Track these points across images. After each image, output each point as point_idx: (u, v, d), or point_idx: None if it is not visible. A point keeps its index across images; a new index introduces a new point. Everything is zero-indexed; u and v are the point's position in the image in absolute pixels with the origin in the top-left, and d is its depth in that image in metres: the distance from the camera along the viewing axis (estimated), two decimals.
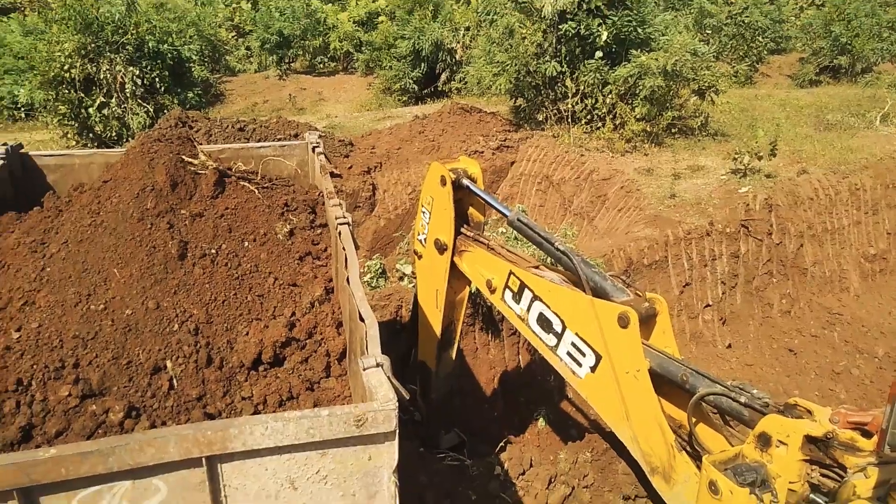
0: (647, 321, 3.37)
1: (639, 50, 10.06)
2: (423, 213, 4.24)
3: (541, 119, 11.27)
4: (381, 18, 18.85)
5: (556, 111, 11.08)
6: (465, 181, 4.02)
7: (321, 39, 19.48)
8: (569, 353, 3.49)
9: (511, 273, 3.70)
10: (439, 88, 16.18)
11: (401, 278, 7.74)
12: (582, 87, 10.51)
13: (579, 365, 3.44)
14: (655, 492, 3.79)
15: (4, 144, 3.56)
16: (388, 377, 1.72)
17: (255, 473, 1.64)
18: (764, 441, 2.77)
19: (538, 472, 4.01)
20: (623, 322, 3.12)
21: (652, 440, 3.22)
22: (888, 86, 13.93)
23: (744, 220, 8.22)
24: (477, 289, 4.33)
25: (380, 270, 7.87)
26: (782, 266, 8.52)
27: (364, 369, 1.75)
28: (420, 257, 4.41)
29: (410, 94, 16.36)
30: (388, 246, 9.81)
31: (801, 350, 8.01)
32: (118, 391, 2.45)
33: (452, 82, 15.59)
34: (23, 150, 3.65)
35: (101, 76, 11.92)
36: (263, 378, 2.64)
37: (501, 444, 4.81)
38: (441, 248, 4.13)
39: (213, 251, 2.95)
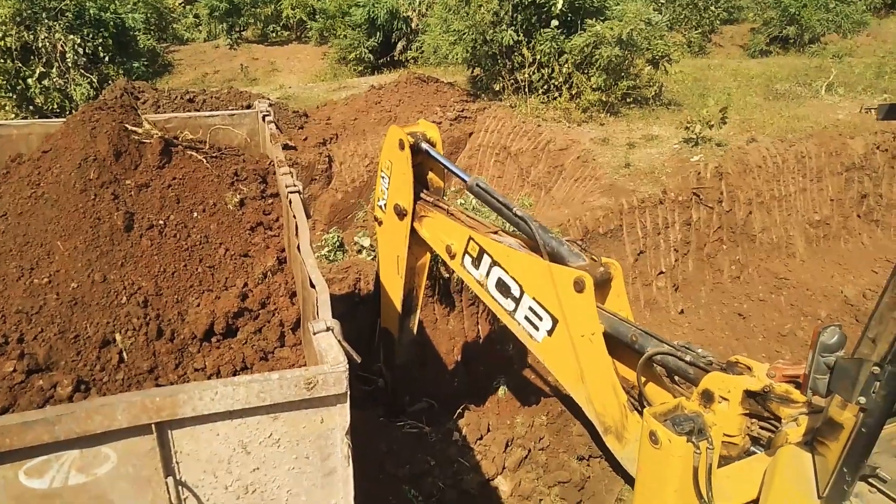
0: (603, 286, 3.47)
1: (594, 19, 10.09)
2: (383, 178, 4.21)
3: (498, 89, 11.24)
4: None
5: (513, 81, 11.07)
6: (424, 145, 3.98)
7: (273, 7, 18.93)
8: (526, 318, 3.55)
9: (470, 238, 3.72)
10: (396, 58, 15.96)
11: (359, 251, 7.71)
12: (538, 57, 10.51)
13: (536, 329, 3.51)
14: (609, 451, 3.94)
15: None
16: (339, 340, 1.73)
17: (206, 439, 1.64)
18: (707, 397, 2.89)
19: (495, 437, 4.10)
20: (579, 287, 3.19)
21: (606, 401, 3.33)
22: (833, 56, 14.32)
23: (695, 189, 8.42)
24: (437, 256, 4.37)
25: (338, 243, 7.83)
26: (732, 233, 8.78)
27: (314, 333, 1.76)
28: (380, 223, 4.37)
29: (366, 63, 16.09)
30: (347, 219, 9.74)
31: (750, 314, 8.32)
32: (66, 365, 2.41)
33: (409, 52, 15.39)
34: None
35: (40, 45, 11.38)
36: (216, 349, 2.63)
37: (459, 410, 4.89)
38: (401, 214, 4.10)
39: (161, 222, 2.89)
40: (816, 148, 9.43)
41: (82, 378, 2.35)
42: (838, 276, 8.85)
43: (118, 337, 2.51)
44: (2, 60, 11.21)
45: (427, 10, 14.66)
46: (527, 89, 10.91)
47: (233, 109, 10.20)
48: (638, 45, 10.06)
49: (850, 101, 11.12)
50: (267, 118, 3.78)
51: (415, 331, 4.84)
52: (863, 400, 1.76)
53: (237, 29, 19.04)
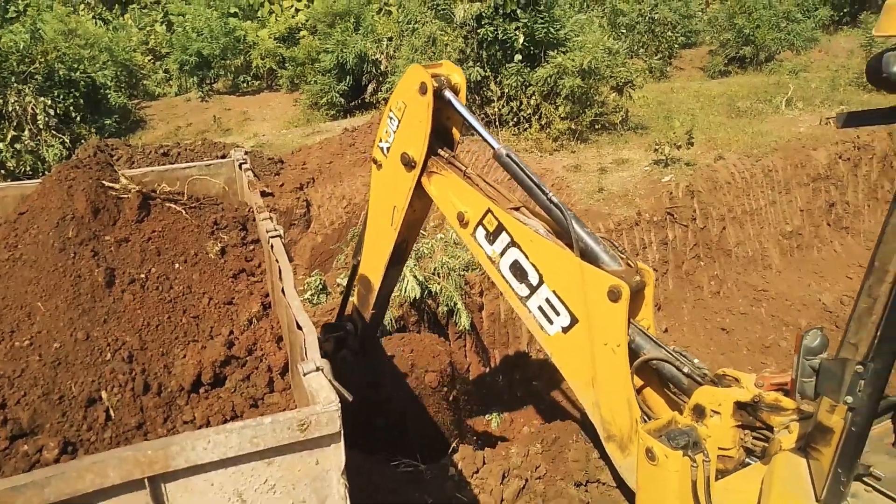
0: (636, 295, 3.21)
1: (555, 51, 10.37)
2: (391, 119, 3.71)
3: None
4: (302, 33, 18.68)
5: (483, 115, 11.26)
6: (448, 93, 3.47)
7: (243, 58, 19.15)
8: (540, 308, 3.30)
9: (489, 211, 3.35)
10: (367, 100, 16.17)
11: (342, 292, 7.69)
12: (506, 90, 10.74)
13: (550, 322, 3.28)
14: (606, 474, 3.91)
15: None
16: (329, 379, 1.74)
17: (201, 490, 1.62)
18: (699, 412, 2.91)
19: (491, 469, 4.07)
20: (614, 296, 2.96)
21: (616, 411, 3.20)
22: (789, 72, 14.81)
23: (669, 208, 8.58)
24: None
25: (320, 286, 7.80)
26: (708, 249, 8.93)
27: (304, 374, 1.76)
28: (379, 167, 3.90)
29: (338, 107, 16.28)
30: (328, 262, 9.73)
31: (733, 328, 8.41)
32: (51, 428, 2.36)
33: (380, 93, 15.61)
34: None
35: (10, 108, 11.36)
36: (205, 400, 2.60)
37: (453, 445, 4.84)
38: (408, 164, 3.63)
39: (143, 276, 2.88)
40: (782, 161, 9.69)
41: (69, 439, 2.31)
42: (815, 284, 9.01)
43: (104, 394, 2.47)
44: None
45: (395, 52, 14.95)
46: (497, 122, 11.11)
47: (208, 160, 10.24)
48: (601, 74, 10.34)
49: (810, 115, 11.48)
50: (243, 166, 3.81)
51: (397, 281, 4.50)
52: (850, 399, 1.80)
53: (208, 81, 19.20)
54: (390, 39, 15.26)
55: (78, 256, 2.81)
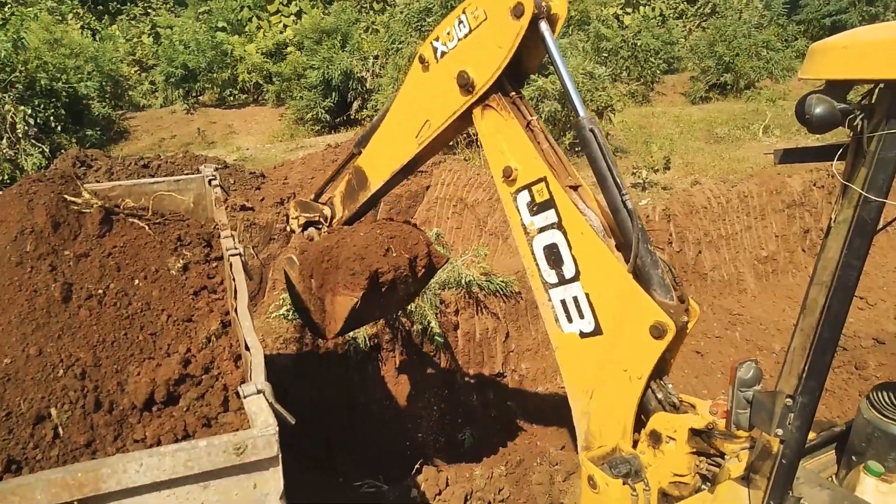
0: (676, 335, 2.83)
1: (537, 74, 10.50)
2: (461, 22, 3.02)
3: (451, 143, 11.51)
4: (289, 49, 18.76)
5: (465, 135, 11.35)
6: (544, 26, 2.83)
7: (229, 72, 19.17)
8: (564, 303, 3.01)
9: (544, 180, 2.93)
10: (352, 117, 16.23)
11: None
12: None
13: (569, 321, 3.01)
14: (568, 500, 3.91)
15: None
16: (270, 402, 1.73)
17: None
18: (655, 438, 2.91)
19: (454, 491, 4.06)
20: (657, 332, 2.69)
21: (606, 431, 3.05)
22: (767, 100, 15.10)
23: None
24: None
25: None
26: (684, 272, 9.02)
27: (244, 397, 1.76)
28: (425, 68, 3.27)
29: (323, 123, 16.32)
30: None
31: (707, 351, 8.47)
32: None
33: (364, 110, 15.68)
34: None
35: None
36: (157, 418, 2.58)
37: (417, 466, 4.82)
38: (465, 86, 3.06)
39: (101, 292, 2.87)
40: (758, 187, 9.84)
41: (13, 457, 2.28)
42: (789, 309, 9.11)
43: (53, 412, 2.45)
44: None
45: (380, 69, 15.05)
46: (479, 142, 11.19)
47: (188, 173, 10.20)
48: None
49: (786, 142, 11.69)
50: (213, 182, 3.81)
51: (395, 186, 4.11)
52: (780, 431, 1.82)
53: (193, 94, 19.19)
54: (376, 57, 15.36)
55: (35, 271, 2.79)
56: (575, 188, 2.98)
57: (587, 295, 2.90)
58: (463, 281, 6.77)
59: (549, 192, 2.92)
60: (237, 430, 2.58)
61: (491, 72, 2.97)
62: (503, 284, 7.11)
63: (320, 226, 4.33)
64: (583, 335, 2.96)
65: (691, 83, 17.76)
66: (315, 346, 6.36)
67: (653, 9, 22.33)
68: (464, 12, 3.00)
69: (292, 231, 4.51)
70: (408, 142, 3.50)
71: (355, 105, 16.10)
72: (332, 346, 6.38)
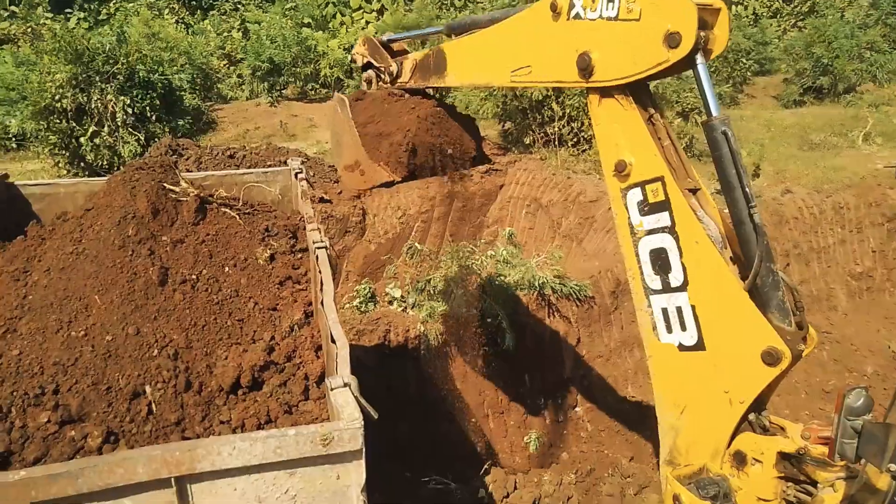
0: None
1: None
2: (612, 1, 2.63)
3: (528, 142, 11.41)
4: None
5: (543, 134, 11.23)
6: (700, 64, 2.54)
7: (312, 66, 19.70)
8: (665, 311, 2.83)
9: (661, 180, 2.70)
10: None
11: (390, 302, 7.78)
12: (568, 111, 10.68)
13: (668, 331, 2.83)
14: None
15: None
16: (356, 396, 1.76)
17: (224, 493, 1.66)
18: (739, 459, 2.78)
19: (522, 495, 4.02)
20: (770, 359, 2.51)
21: (694, 450, 2.93)
22: (869, 105, 14.17)
23: None
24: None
25: (369, 295, 7.91)
26: None
27: (331, 389, 1.79)
28: (555, 16, 2.87)
29: None
30: (378, 271, 9.85)
31: (792, 370, 8.04)
32: (97, 416, 2.48)
33: None
34: (9, 180, 3.70)
35: (93, 106, 12.02)
36: (242, 402, 2.67)
37: (486, 467, 4.80)
38: (584, 70, 2.75)
39: (194, 277, 2.99)
40: (855, 199, 9.26)
41: (112, 429, 2.41)
42: (885, 330, 8.54)
43: (148, 389, 2.57)
44: (58, 121, 11.87)
45: None
46: (557, 142, 11.04)
47: (271, 164, 10.57)
48: (666, 98, 10.15)
49: (890, 151, 10.94)
50: (299, 175, 3.91)
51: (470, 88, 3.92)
52: (893, 467, 1.69)
53: (278, 88, 19.83)
54: None
55: (135, 254, 2.94)
56: (694, 192, 2.79)
57: (693, 307, 2.72)
58: (536, 283, 6.70)
59: (666, 194, 2.69)
60: (316, 418, 2.65)
61: (616, 76, 2.70)
62: (577, 288, 6.99)
63: (382, 74, 4.16)
64: (682, 348, 2.79)
65: (784, 86, 16.90)
66: (387, 339, 6.45)
67: (745, 7, 21.38)
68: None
69: (352, 62, 4.52)
70: (501, 71, 3.24)
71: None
72: (404, 339, 6.46)
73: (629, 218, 2.86)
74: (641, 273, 2.87)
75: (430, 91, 4.16)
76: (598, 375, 6.74)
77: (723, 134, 2.57)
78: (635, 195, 2.81)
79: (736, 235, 2.69)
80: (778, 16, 22.32)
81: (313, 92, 20.81)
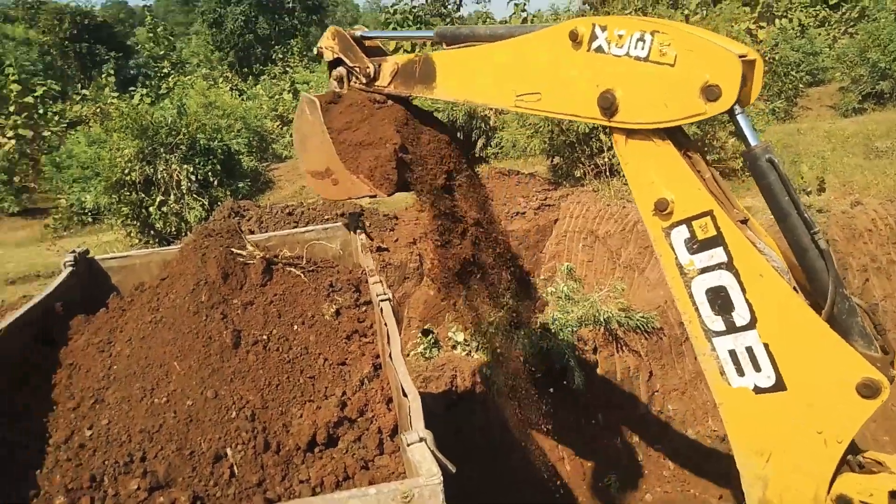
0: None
1: None
2: (641, 41, 2.47)
3: (579, 175, 11.36)
4: None
5: (593, 166, 11.17)
6: (740, 115, 2.45)
7: None
8: (733, 353, 2.64)
9: (710, 214, 2.54)
10: (477, 155, 16.56)
11: (454, 347, 7.76)
12: None
13: (740, 374, 2.64)
14: None
15: (73, 252, 3.84)
16: (432, 451, 1.75)
17: None
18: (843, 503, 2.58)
19: None
20: (867, 391, 2.35)
21: (790, 499, 2.70)
22: None
23: None
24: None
25: (432, 340, 7.92)
26: None
27: (408, 445, 1.79)
28: (576, 46, 2.66)
29: None
30: (439, 315, 9.88)
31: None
32: (183, 482, 2.54)
33: (489, 148, 15.94)
34: (89, 255, 3.93)
35: (159, 176, 12.73)
36: (319, 460, 2.69)
37: None
38: (607, 109, 2.59)
39: (265, 337, 3.07)
40: None
41: (198, 494, 2.46)
42: None
43: (229, 451, 2.63)
44: (128, 193, 12.61)
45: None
46: (608, 172, 10.95)
47: (328, 218, 10.86)
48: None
49: None
50: (357, 230, 4.00)
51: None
52: None
53: None
54: None
55: (209, 318, 3.05)
56: (743, 223, 2.64)
57: (766, 345, 2.54)
58: (601, 317, 6.57)
59: (717, 228, 2.53)
60: (392, 473, 2.64)
61: (643, 120, 2.55)
62: (644, 320, 6.81)
63: (355, 73, 3.73)
64: (758, 390, 2.60)
65: (841, 94, 16.37)
66: (453, 384, 6.42)
67: (790, 20, 20.96)
68: (652, 34, 2.45)
69: (318, 55, 3.92)
70: (504, 93, 2.97)
71: (479, 143, 16.41)
72: (470, 384, 6.41)
73: (676, 258, 2.68)
74: (699, 315, 2.68)
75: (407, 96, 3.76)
76: (675, 410, 6.50)
77: (768, 161, 2.47)
78: (681, 233, 2.65)
79: (799, 264, 2.56)
80: (826, 24, 21.80)
81: None
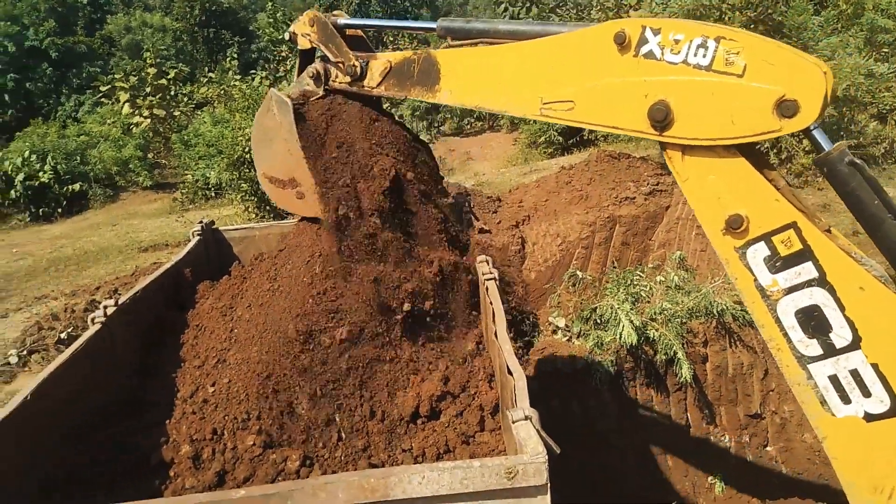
0: None
1: None
2: (704, 47, 2.24)
3: None
4: None
5: None
6: (818, 131, 2.22)
7: None
8: (834, 379, 2.43)
9: (794, 227, 2.31)
10: (585, 137, 16.17)
11: (554, 332, 7.67)
12: None
13: (846, 402, 2.41)
14: None
15: (200, 222, 4.13)
16: (538, 430, 1.73)
17: None
18: None
19: None
20: None
21: None
22: None
23: None
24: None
25: (532, 324, 7.87)
26: None
27: (513, 422, 1.78)
28: (622, 50, 2.40)
29: (556, 145, 16.50)
30: (540, 299, 9.79)
31: None
32: (294, 442, 2.68)
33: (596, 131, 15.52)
34: (214, 226, 4.21)
35: None
36: (421, 431, 2.75)
37: None
38: (658, 123, 2.34)
39: None
40: None
41: (307, 454, 2.60)
42: None
43: (338, 417, 2.74)
44: (248, 170, 13.37)
45: None
46: None
47: None
48: (859, 101, 9.12)
49: None
50: (465, 209, 4.02)
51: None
52: None
53: (435, 124, 20.76)
54: None
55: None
56: (827, 231, 2.38)
57: (874, 366, 2.30)
58: (714, 310, 6.24)
59: (803, 241, 2.29)
60: (493, 450, 2.65)
61: (703, 136, 2.31)
62: None
63: (336, 69, 3.28)
64: (870, 418, 2.36)
65: None
66: (552, 368, 6.36)
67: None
68: (717, 40, 2.21)
69: (291, 40, 3.41)
70: (528, 100, 2.66)
71: None
72: (570, 370, 6.32)
73: (756, 280, 2.42)
74: (789, 341, 2.43)
75: (373, 97, 3.33)
76: (791, 412, 6.09)
77: (850, 165, 2.20)
78: (758, 251, 2.39)
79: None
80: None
81: (469, 126, 21.50)
